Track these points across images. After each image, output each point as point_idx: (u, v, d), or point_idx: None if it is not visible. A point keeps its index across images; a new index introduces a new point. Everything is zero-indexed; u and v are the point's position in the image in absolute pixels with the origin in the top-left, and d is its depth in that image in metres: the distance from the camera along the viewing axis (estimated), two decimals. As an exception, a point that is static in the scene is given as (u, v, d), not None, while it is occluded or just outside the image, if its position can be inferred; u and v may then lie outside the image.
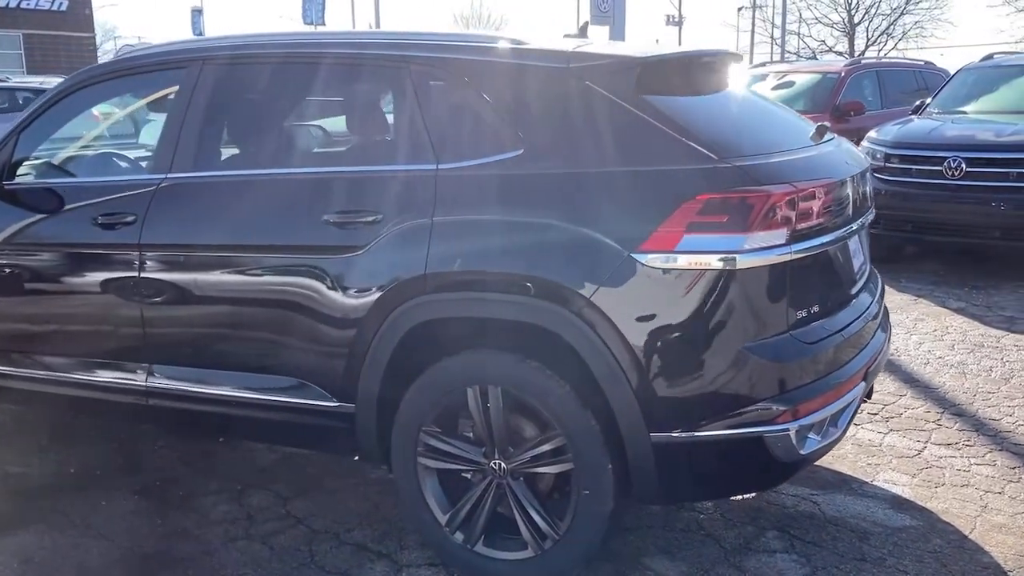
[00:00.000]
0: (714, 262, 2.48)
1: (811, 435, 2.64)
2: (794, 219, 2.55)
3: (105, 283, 3.37)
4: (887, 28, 43.31)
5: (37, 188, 3.62)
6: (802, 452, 2.62)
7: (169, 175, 3.25)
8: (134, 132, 4.79)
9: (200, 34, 45.86)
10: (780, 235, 2.52)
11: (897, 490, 3.56)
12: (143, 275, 3.24)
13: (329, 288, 2.92)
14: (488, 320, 2.75)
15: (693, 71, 3.02)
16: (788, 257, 2.54)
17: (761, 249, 2.50)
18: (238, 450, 4.09)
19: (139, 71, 3.56)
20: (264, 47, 3.27)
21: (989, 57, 9.84)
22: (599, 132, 2.69)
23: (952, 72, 12.72)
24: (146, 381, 3.34)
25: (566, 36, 3.40)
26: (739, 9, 47.47)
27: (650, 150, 2.61)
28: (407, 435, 2.92)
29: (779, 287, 2.57)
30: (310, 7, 41.23)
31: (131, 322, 3.31)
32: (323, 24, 42.62)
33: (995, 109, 8.52)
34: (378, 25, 35.66)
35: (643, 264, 2.51)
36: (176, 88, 3.37)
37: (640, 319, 2.53)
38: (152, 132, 5.08)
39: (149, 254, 3.23)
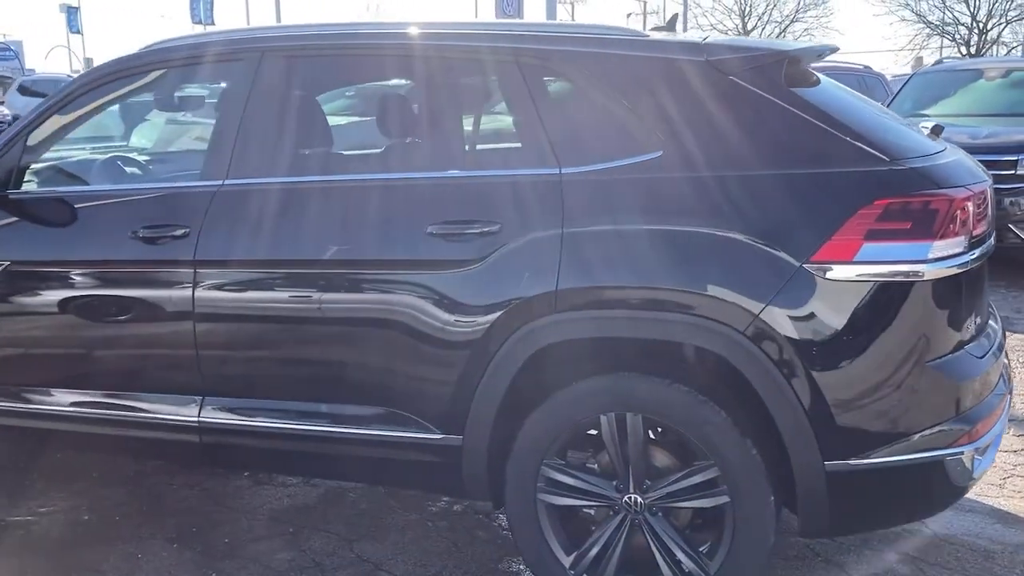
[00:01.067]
0: (898, 272, 2.28)
1: (980, 457, 2.46)
2: (970, 224, 2.36)
3: (147, 305, 2.95)
4: (778, 35, 44.62)
5: (50, 198, 3.16)
6: (974, 476, 2.44)
7: (227, 181, 2.86)
8: (123, 134, 4.33)
9: (78, 32, 44.01)
10: (961, 242, 2.33)
11: (992, 502, 3.44)
12: (198, 295, 2.83)
13: (434, 308, 2.59)
14: (630, 341, 2.48)
15: (810, 66, 2.82)
16: (967, 266, 2.36)
17: (945, 257, 2.30)
18: (267, 485, 3.69)
19: (175, 65, 3.13)
20: (345, 37, 2.90)
21: (940, 62, 10.08)
22: (751, 131, 2.45)
23: (888, 78, 12.99)
24: (198, 416, 2.93)
25: (655, 29, 3.15)
26: (628, 15, 47.77)
27: (813, 151, 2.39)
28: (525, 469, 2.62)
29: (957, 298, 2.38)
30: (198, 5, 39.80)
31: (180, 350, 2.90)
32: (212, 24, 40.89)
33: (956, 112, 8.67)
34: (278, 19, 34.63)
35: (818, 276, 2.28)
36: (227, 83, 2.98)
37: (815, 337, 2.30)
38: (148, 134, 4.60)
39: (206, 271, 2.83)
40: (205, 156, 2.99)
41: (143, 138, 4.67)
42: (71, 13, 44.97)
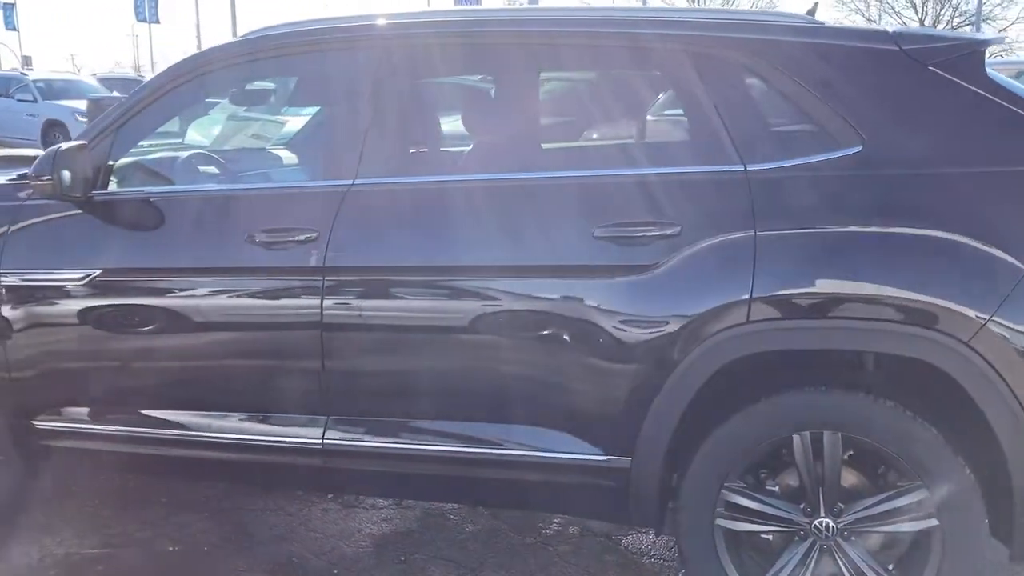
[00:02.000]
0: None
1: None
2: None
3: (265, 317, 2.68)
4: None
5: (144, 199, 2.87)
6: None
7: (358, 181, 2.61)
8: (178, 131, 3.99)
9: (14, 30, 42.67)
10: None
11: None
12: (328, 305, 2.58)
13: (601, 318, 2.38)
14: (831, 353, 2.29)
15: None
16: None
17: None
18: (356, 507, 3.43)
19: (284, 53, 2.86)
20: (491, 24, 2.66)
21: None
22: (960, 125, 2.29)
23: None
24: (322, 438, 2.67)
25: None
26: None
27: None
28: (703, 493, 2.41)
29: None
30: (142, 4, 38.91)
31: (304, 365, 2.64)
32: (157, 22, 39.91)
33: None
34: (233, 17, 33.81)
35: (1050, 283, 2.11)
36: (347, 73, 2.73)
37: (1047, 349, 2.13)
38: (206, 130, 4.27)
39: (337, 279, 2.58)
40: (326, 153, 2.73)
41: (202, 134, 4.35)
42: (7, 10, 43.78)
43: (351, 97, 2.71)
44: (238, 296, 2.70)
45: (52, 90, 18.62)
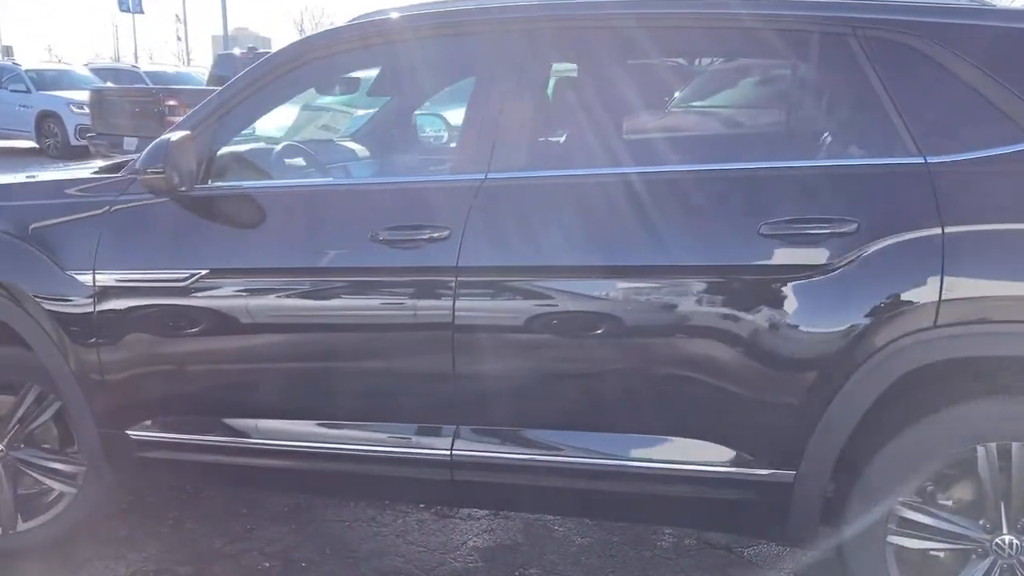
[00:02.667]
0: None
1: None
2: None
3: (390, 320, 2.51)
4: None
5: (250, 194, 2.68)
6: None
7: (491, 175, 2.43)
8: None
9: None
10: None
11: None
12: (460, 307, 2.40)
13: (767, 322, 2.22)
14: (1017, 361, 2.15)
15: None
16: None
17: None
18: (452, 517, 3.26)
19: (404, 38, 2.68)
20: (636, 5, 2.47)
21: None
22: None
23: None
24: (450, 448, 2.50)
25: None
26: None
27: None
28: (875, 508, 2.26)
29: None
30: (126, -7, 38.17)
31: (433, 371, 2.47)
32: (141, 12, 39.12)
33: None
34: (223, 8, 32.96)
35: None
36: (479, 60, 2.56)
37: None
38: (280, 120, 4.04)
39: (471, 279, 2.40)
40: (458, 144, 2.55)
41: (274, 125, 4.14)
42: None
43: (484, 85, 2.53)
44: (360, 298, 2.52)
45: (44, 80, 18.18)
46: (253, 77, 2.70)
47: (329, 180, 3.00)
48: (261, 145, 3.08)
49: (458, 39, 2.60)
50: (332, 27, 2.76)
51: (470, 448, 2.48)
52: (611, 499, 2.48)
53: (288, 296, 2.57)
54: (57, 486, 2.97)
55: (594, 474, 2.42)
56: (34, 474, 2.96)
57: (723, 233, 2.27)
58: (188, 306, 2.61)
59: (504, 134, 2.45)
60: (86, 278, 2.66)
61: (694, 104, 2.74)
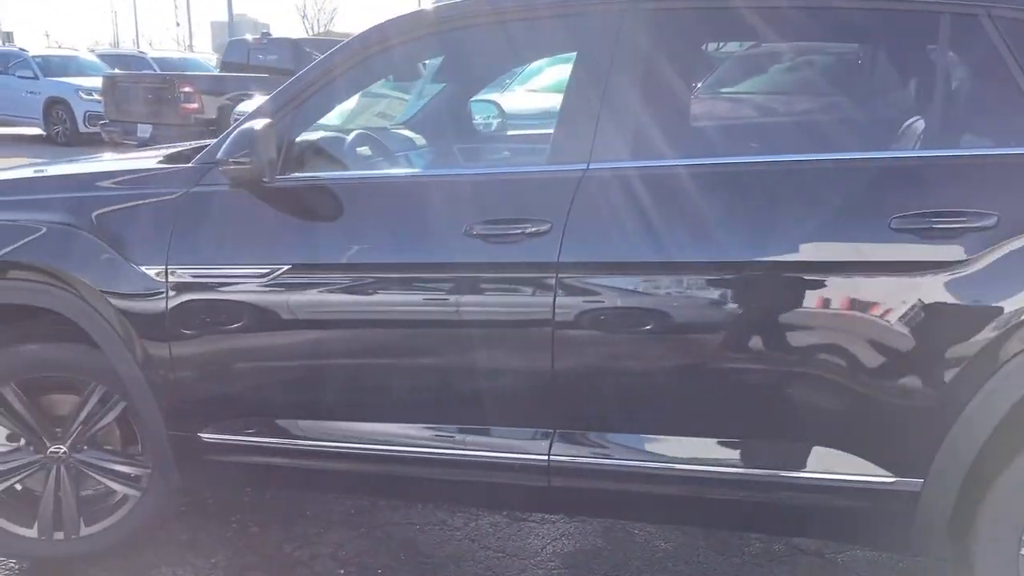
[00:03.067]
0: None
1: None
2: None
3: (484, 319, 2.38)
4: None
5: (341, 184, 2.56)
6: None
7: (594, 164, 2.30)
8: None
9: None
10: None
11: None
12: (561, 305, 2.28)
13: (898, 321, 2.10)
14: None
15: None
16: None
17: None
18: (527, 521, 3.14)
19: (496, 20, 2.53)
20: None
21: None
22: None
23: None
24: (548, 453, 2.37)
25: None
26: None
27: None
28: (1009, 520, 2.14)
29: None
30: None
31: (530, 372, 2.35)
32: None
33: None
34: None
35: None
36: (583, 42, 2.42)
37: None
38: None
39: (573, 276, 2.27)
40: (555, 132, 2.41)
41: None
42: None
43: (584, 69, 2.39)
44: (453, 295, 2.39)
45: (51, 66, 17.97)
46: (331, 63, 2.57)
47: (418, 171, 2.87)
48: (330, 134, 2.94)
49: (563, 20, 2.45)
50: (415, 10, 2.61)
51: (570, 453, 2.36)
52: (724, 508, 2.35)
53: (375, 293, 2.44)
54: (121, 489, 2.85)
55: (709, 482, 2.29)
56: (97, 477, 2.83)
57: (852, 226, 2.14)
58: (268, 303, 2.48)
59: (610, 122, 2.31)
60: (158, 273, 2.53)
61: (818, 91, 2.58)
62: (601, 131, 2.31)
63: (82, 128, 16.18)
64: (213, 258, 2.52)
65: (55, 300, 2.64)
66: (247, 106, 10.82)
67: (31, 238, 2.64)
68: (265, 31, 19.07)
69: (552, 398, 2.35)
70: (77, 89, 16.51)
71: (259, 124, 2.38)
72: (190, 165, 2.63)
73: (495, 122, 4.46)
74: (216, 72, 16.01)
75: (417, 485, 2.59)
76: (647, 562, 2.87)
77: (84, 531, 2.84)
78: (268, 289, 2.46)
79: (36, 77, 17.43)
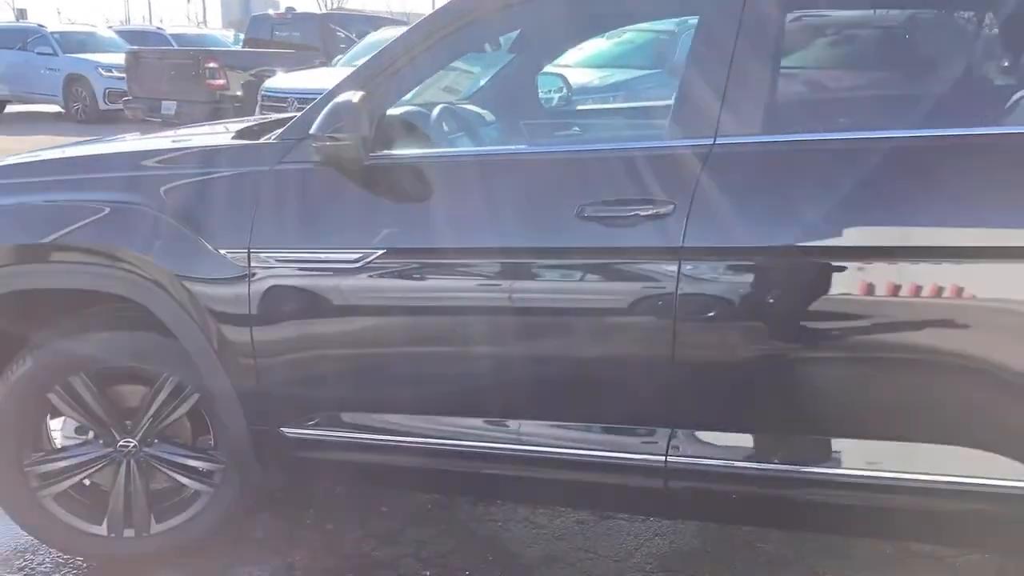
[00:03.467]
0: None
1: None
2: None
3: (597, 308, 2.21)
4: None
5: (438, 162, 2.39)
6: None
7: (720, 139, 2.11)
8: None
9: None
10: None
11: None
12: (685, 294, 2.09)
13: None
14: None
15: None
16: None
17: None
18: (615, 518, 2.96)
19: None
20: None
21: None
22: None
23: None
24: (665, 454, 2.20)
25: None
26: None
27: None
28: None
29: None
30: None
31: (646, 367, 2.17)
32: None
33: None
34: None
35: None
36: (707, 5, 2.22)
37: None
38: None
39: (699, 262, 2.08)
40: (676, 104, 2.22)
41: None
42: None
43: (708, 34, 2.20)
44: (562, 282, 2.22)
45: (70, 43, 17.76)
46: (423, 33, 2.38)
47: (522, 148, 2.68)
48: (413, 108, 2.75)
49: None
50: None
51: (691, 454, 2.18)
52: (874, 515, 2.17)
53: (476, 280, 2.27)
54: (192, 485, 2.69)
55: (856, 486, 2.11)
56: (168, 472, 2.68)
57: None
58: (360, 290, 2.31)
59: (740, 89, 2.11)
60: (240, 257, 2.35)
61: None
62: (729, 102, 2.12)
63: (102, 105, 16.02)
64: (300, 241, 2.34)
65: (125, 286, 2.47)
66: (275, 82, 10.63)
67: (97, 219, 2.48)
68: (290, 7, 18.84)
69: (671, 394, 2.18)
70: (97, 66, 16.34)
71: (355, 97, 2.19)
72: (272, 141, 2.45)
73: (556, 97, 4.25)
74: (238, 48, 15.80)
75: (518, 485, 2.43)
76: (752, 566, 2.70)
77: (155, 528, 2.69)
78: (360, 275, 2.29)
79: (55, 53, 17.24)
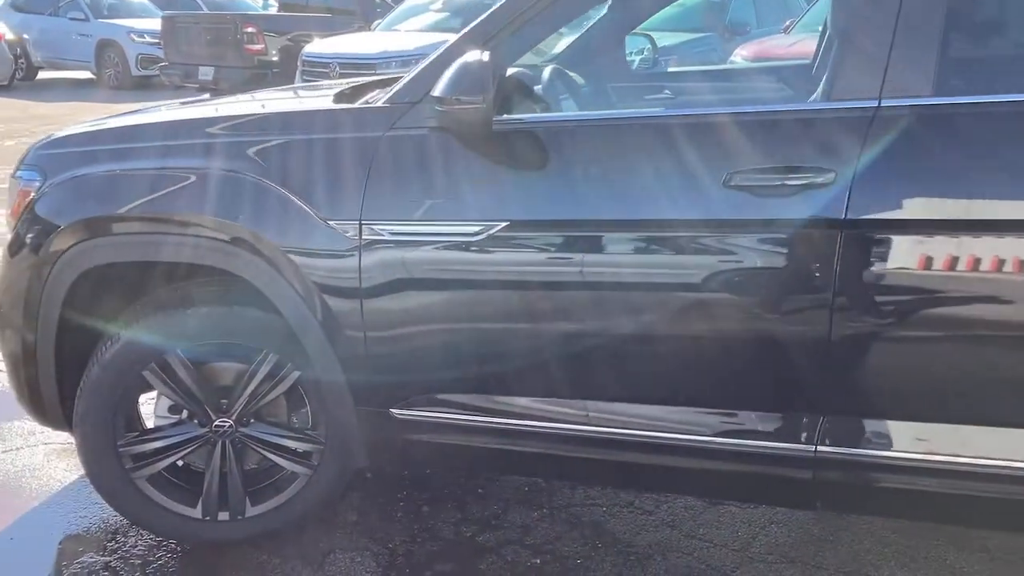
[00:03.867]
0: None
1: None
2: None
3: (749, 283, 2.04)
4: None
5: (566, 127, 2.22)
6: None
7: (886, 101, 1.92)
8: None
9: None
10: None
11: None
12: (845, 270, 1.92)
13: None
14: None
15: None
16: None
17: None
18: (717, 504, 2.82)
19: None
20: None
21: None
22: None
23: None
24: (814, 443, 2.04)
25: None
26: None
27: None
28: None
29: None
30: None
31: (798, 349, 2.01)
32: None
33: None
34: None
35: None
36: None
37: None
38: None
39: (863, 236, 1.92)
40: (834, 62, 2.04)
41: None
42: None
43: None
44: (705, 257, 2.05)
45: (101, 8, 17.58)
46: (550, -17, 2.19)
47: (662, 111, 2.50)
48: (522, 69, 2.57)
49: None
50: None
51: (843, 444, 2.03)
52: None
53: (608, 255, 2.11)
54: (289, 466, 2.57)
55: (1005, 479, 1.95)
56: (265, 453, 2.55)
57: None
58: (479, 264, 2.16)
59: (908, 46, 1.92)
60: (350, 229, 2.21)
61: None
62: (896, 61, 1.93)
63: (134, 71, 15.89)
64: (415, 212, 2.19)
65: (224, 258, 2.34)
66: (315, 47, 10.44)
67: (192, 188, 2.33)
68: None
69: (825, 379, 2.02)
70: (129, 31, 16.16)
71: (484, 56, 2.02)
72: (382, 105, 2.28)
73: (637, 59, 4.05)
74: (274, 12, 15.59)
75: (650, 474, 2.29)
76: (881, 556, 2.55)
77: (250, 511, 2.58)
78: (480, 248, 2.14)
79: (87, 19, 17.06)
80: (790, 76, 3.24)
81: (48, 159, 2.54)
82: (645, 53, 4.09)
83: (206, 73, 11.82)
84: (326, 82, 3.72)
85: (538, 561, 2.55)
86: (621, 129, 2.16)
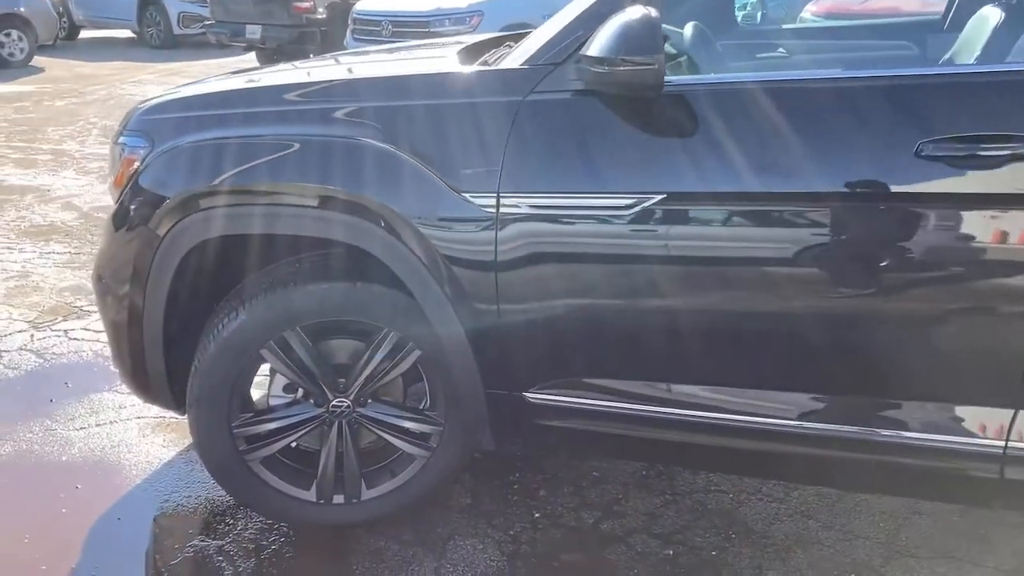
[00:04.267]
0: None
1: None
2: None
3: (940, 263, 1.87)
4: None
5: (731, 89, 2.05)
6: None
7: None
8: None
9: None
10: None
11: None
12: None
13: None
14: None
15: None
16: None
17: None
18: (867, 499, 2.65)
19: None
20: None
21: None
22: None
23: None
24: (1005, 439, 1.87)
25: None
26: None
27: None
28: None
29: None
30: None
31: (992, 336, 1.83)
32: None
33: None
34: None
35: None
36: None
37: None
38: None
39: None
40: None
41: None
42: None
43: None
44: (895, 235, 1.86)
45: (142, -35, 17.38)
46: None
47: (835, 72, 2.31)
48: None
49: None
50: None
51: (1037, 439, 1.85)
52: None
53: (781, 230, 1.93)
54: (408, 449, 2.44)
55: None
56: (383, 435, 2.43)
57: None
58: (630, 240, 2.00)
59: None
60: (487, 201, 2.05)
61: None
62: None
63: (176, 30, 15.75)
64: (560, 183, 2.02)
65: (347, 231, 2.19)
66: (366, 5, 10.23)
67: (314, 156, 2.18)
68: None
69: (1017, 372, 1.83)
70: (168, -12, 15.99)
71: (652, 11, 1.83)
72: (520, 67, 2.10)
73: (740, 15, 3.81)
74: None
75: (812, 468, 2.13)
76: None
77: (366, 495, 2.46)
78: (631, 223, 1.97)
79: (129, -23, 16.90)
80: (918, 33, 3.03)
81: (154, 124, 2.40)
82: (748, 8, 3.86)
83: (253, 31, 11.64)
84: (428, 41, 3.53)
85: (670, 552, 2.42)
86: (798, 92, 1.97)
